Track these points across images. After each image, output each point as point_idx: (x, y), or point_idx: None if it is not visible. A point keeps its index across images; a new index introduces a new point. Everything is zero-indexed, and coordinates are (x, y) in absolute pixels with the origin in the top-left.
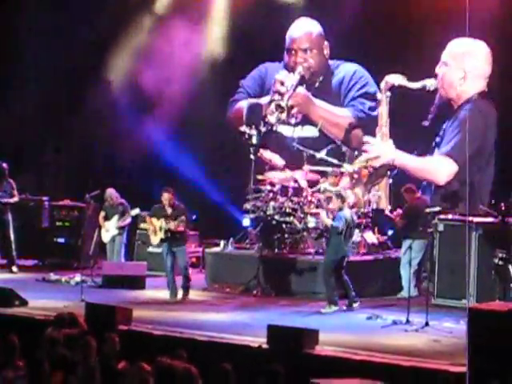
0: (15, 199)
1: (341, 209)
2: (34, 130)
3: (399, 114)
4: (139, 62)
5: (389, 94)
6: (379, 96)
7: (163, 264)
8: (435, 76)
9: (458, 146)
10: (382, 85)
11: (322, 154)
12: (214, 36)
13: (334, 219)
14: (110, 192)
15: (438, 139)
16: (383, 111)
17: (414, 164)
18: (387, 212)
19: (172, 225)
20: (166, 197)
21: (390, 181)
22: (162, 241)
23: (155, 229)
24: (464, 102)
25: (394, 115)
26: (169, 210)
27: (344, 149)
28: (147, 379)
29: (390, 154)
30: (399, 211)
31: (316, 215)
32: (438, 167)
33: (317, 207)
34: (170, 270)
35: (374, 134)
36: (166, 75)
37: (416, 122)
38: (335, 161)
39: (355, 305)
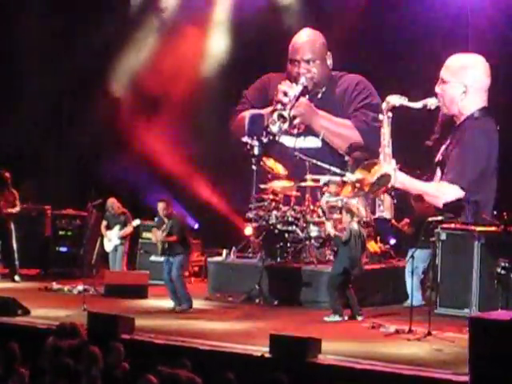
0: (17, 209)
1: (349, 223)
2: (35, 139)
3: (401, 132)
4: (142, 69)
5: (390, 114)
6: (381, 117)
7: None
8: (435, 95)
9: (462, 172)
10: (384, 105)
11: (323, 163)
12: (217, 45)
13: (340, 231)
14: (112, 202)
15: (439, 157)
16: (385, 132)
17: (417, 189)
18: (394, 221)
19: (160, 236)
20: (159, 207)
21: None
22: (162, 252)
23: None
24: (465, 120)
25: (396, 134)
26: (165, 221)
27: (346, 158)
28: None
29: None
30: (406, 220)
31: (319, 224)
32: (443, 194)
33: (319, 216)
34: (166, 280)
35: (377, 145)
36: (169, 84)
37: (417, 140)
38: (337, 170)
39: (359, 318)
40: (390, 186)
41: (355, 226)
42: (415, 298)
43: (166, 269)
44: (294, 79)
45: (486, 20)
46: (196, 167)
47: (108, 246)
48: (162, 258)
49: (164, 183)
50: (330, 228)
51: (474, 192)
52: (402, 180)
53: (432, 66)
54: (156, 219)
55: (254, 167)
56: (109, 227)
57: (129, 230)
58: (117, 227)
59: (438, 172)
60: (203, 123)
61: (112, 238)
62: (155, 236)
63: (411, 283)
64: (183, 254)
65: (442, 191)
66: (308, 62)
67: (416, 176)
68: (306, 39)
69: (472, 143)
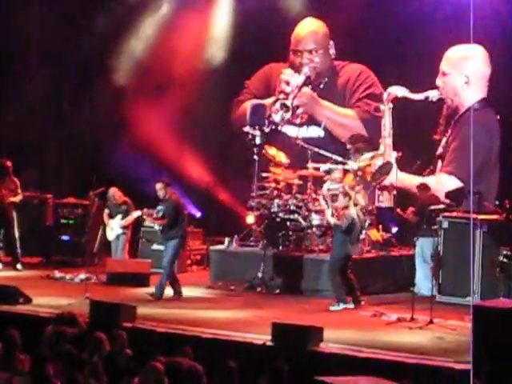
0: (19, 197)
1: (346, 207)
2: (37, 127)
3: (402, 124)
4: (145, 56)
5: (391, 105)
6: (382, 107)
7: None
8: (437, 88)
9: (461, 164)
10: (385, 96)
11: (325, 152)
12: (220, 31)
13: (338, 218)
14: (113, 191)
15: (440, 150)
16: (386, 122)
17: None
18: (399, 211)
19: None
20: (157, 187)
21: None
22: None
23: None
24: (465, 112)
25: (399, 125)
26: (161, 205)
27: (348, 147)
28: (162, 379)
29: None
30: (411, 209)
31: (321, 213)
32: (442, 187)
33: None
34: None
35: (379, 137)
36: (172, 72)
37: (419, 131)
38: (340, 158)
39: (362, 303)
40: (389, 184)
41: (353, 210)
42: (425, 287)
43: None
44: (297, 69)
45: (489, 8)
46: (198, 156)
47: (110, 235)
48: (161, 246)
49: (166, 172)
50: (329, 217)
51: (475, 183)
52: (401, 178)
53: (435, 55)
54: (158, 207)
55: (255, 157)
56: (111, 216)
57: (130, 219)
58: (119, 216)
59: (439, 165)
60: (205, 111)
61: (114, 227)
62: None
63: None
64: (177, 238)
65: (441, 184)
66: (310, 52)
67: (417, 167)
68: (309, 29)
69: (470, 137)
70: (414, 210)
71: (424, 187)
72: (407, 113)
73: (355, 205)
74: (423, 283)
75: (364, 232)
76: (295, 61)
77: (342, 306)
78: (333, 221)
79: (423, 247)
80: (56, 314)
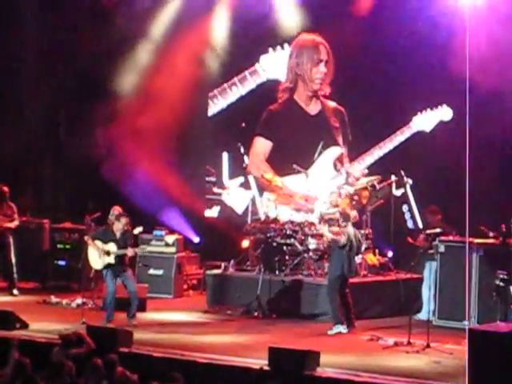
0: (16, 223)
1: (345, 226)
2: (33, 152)
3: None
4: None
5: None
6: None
7: (165, 286)
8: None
9: None
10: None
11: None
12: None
13: (337, 234)
14: (116, 210)
15: None
16: None
17: None
18: (409, 239)
19: (130, 251)
20: (124, 222)
21: None
22: (107, 266)
23: (101, 252)
24: None
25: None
26: (117, 235)
27: (343, 171)
28: None
29: None
30: (422, 236)
31: (317, 237)
32: None
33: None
34: (114, 294)
35: None
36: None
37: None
38: (341, 168)
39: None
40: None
41: (351, 229)
42: (424, 311)
43: (113, 283)
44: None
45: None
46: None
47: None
48: (161, 271)
49: (163, 196)
50: (327, 232)
51: None
52: None
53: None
54: (154, 232)
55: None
56: (103, 241)
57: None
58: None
59: None
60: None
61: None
62: (95, 246)
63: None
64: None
65: None
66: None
67: None
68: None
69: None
70: (425, 237)
71: (435, 211)
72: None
73: (353, 224)
74: (425, 307)
75: (361, 256)
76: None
77: (340, 328)
78: (330, 236)
79: (431, 271)
80: (61, 336)
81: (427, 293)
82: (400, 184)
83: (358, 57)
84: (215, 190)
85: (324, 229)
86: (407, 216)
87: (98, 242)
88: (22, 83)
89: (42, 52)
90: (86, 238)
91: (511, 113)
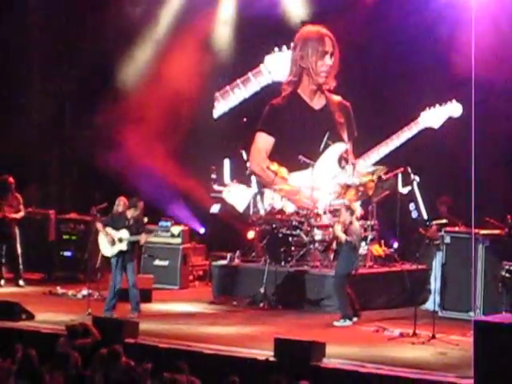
0: (21, 214)
1: (351, 222)
2: (39, 143)
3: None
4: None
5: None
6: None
7: (170, 277)
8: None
9: None
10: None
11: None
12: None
13: (346, 233)
14: (122, 200)
15: None
16: None
17: None
18: (421, 230)
19: (143, 237)
20: (141, 207)
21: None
22: (119, 253)
23: (113, 239)
24: None
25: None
26: (131, 221)
27: (350, 162)
28: None
29: None
30: (434, 228)
31: (323, 228)
32: None
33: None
34: (119, 286)
35: None
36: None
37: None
38: (345, 165)
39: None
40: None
41: (357, 224)
42: (431, 301)
43: (119, 273)
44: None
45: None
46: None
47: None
48: (166, 262)
49: (169, 187)
50: (339, 232)
51: None
52: None
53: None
54: (160, 223)
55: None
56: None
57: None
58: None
59: None
60: (206, 128)
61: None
62: (107, 233)
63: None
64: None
65: None
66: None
67: None
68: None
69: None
70: (437, 228)
71: (444, 202)
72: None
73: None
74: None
75: (366, 247)
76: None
77: (347, 322)
78: (344, 237)
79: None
80: (67, 326)
81: (434, 283)
82: (407, 182)
83: (364, 50)
84: (216, 187)
85: (336, 228)
86: (412, 207)
87: (110, 229)
88: (28, 75)
89: (48, 45)
90: (97, 224)
91: None
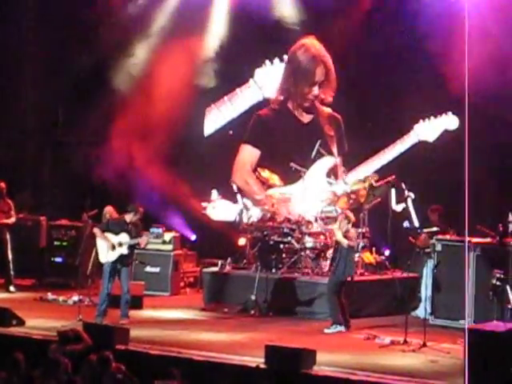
0: (12, 220)
1: (347, 230)
2: (30, 149)
3: None
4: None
5: None
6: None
7: (161, 284)
8: None
9: None
10: None
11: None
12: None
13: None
14: (109, 210)
15: None
16: None
17: None
18: (411, 239)
19: (143, 240)
20: (141, 212)
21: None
22: (120, 257)
23: (113, 244)
24: None
25: None
26: (129, 226)
27: (342, 169)
28: None
29: None
30: (424, 236)
31: (314, 235)
32: None
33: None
34: (109, 291)
35: None
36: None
37: None
38: (333, 180)
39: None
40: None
41: (354, 232)
42: (422, 308)
43: (112, 278)
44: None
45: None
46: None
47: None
48: (157, 269)
49: (160, 193)
50: (341, 237)
51: None
52: None
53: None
54: (151, 230)
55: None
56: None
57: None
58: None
59: None
60: (199, 135)
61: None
62: (106, 239)
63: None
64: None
65: None
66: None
67: None
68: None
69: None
70: (426, 236)
71: (436, 210)
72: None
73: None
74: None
75: (358, 255)
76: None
77: (338, 328)
78: (346, 242)
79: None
80: (59, 332)
81: (425, 291)
82: (401, 199)
83: (357, 60)
84: (203, 204)
85: (338, 234)
86: (405, 224)
87: (109, 234)
88: (20, 81)
89: (41, 50)
90: (94, 230)
91: None
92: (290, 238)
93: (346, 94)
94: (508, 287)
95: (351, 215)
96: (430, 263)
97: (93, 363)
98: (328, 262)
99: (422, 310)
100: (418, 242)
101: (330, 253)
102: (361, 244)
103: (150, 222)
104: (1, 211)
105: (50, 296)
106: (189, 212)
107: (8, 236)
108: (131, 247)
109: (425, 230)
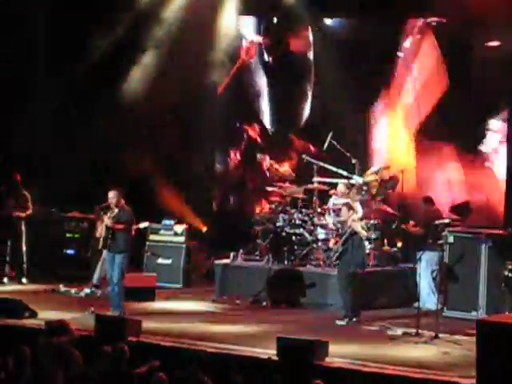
0: (28, 212)
1: (354, 220)
2: (44, 141)
3: None
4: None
5: None
6: None
7: (173, 275)
8: None
9: None
10: None
11: (331, 166)
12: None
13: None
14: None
15: None
16: None
17: None
18: (404, 225)
19: (109, 221)
20: (110, 195)
21: None
22: (104, 242)
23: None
24: None
25: None
26: (114, 210)
27: (353, 161)
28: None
29: None
30: (412, 222)
31: (326, 227)
32: None
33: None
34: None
35: None
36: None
37: None
38: (345, 172)
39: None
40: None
41: (362, 222)
42: (431, 301)
43: (111, 267)
44: None
45: None
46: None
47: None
48: (169, 261)
49: (173, 185)
50: (360, 228)
51: None
52: None
53: None
54: (163, 222)
55: None
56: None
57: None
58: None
59: None
60: (212, 124)
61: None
62: (102, 224)
63: (422, 285)
64: (125, 252)
65: None
66: None
67: None
68: None
69: None
70: (415, 223)
71: (430, 200)
72: None
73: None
74: (428, 297)
75: (370, 246)
76: None
77: (353, 320)
78: (364, 233)
79: (429, 261)
80: (46, 323)
81: (428, 284)
82: None
83: None
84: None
85: (357, 225)
86: None
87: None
88: (34, 73)
89: (53, 43)
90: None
91: None
92: (301, 230)
93: None
94: None
95: (355, 205)
96: (429, 255)
97: (108, 355)
98: (336, 254)
99: (434, 304)
100: (410, 229)
101: (332, 243)
102: (373, 236)
103: (161, 213)
104: (17, 203)
105: (62, 288)
106: (200, 203)
107: (24, 228)
108: (108, 229)
109: (436, 222)
